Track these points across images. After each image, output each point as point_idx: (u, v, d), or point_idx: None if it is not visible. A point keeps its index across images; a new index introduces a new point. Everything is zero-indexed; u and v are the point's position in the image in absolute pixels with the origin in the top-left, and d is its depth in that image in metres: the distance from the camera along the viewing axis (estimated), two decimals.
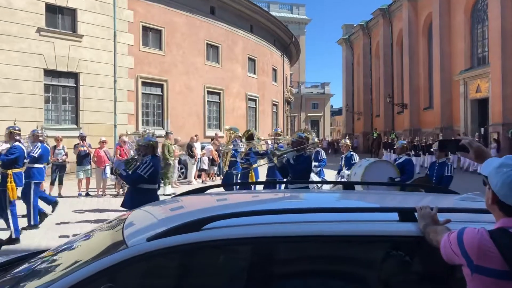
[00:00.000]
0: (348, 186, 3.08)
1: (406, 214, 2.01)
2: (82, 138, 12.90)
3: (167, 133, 14.69)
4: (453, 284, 1.84)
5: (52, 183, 12.12)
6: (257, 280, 1.87)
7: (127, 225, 2.32)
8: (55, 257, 2.42)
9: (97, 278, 1.87)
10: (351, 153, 9.53)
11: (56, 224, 8.63)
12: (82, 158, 12.50)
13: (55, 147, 12.13)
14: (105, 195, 12.56)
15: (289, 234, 1.95)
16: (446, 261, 1.69)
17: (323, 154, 10.39)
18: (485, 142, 19.62)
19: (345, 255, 2.03)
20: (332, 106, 74.06)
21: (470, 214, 2.14)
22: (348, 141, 10.26)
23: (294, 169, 6.33)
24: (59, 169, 12.18)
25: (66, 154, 12.30)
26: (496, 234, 1.57)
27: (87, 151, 12.65)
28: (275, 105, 32.47)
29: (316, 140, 7.72)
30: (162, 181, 13.54)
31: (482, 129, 24.40)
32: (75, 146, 12.81)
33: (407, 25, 32.43)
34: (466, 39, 26.28)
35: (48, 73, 16.34)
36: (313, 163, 9.58)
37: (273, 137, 9.69)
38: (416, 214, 2.00)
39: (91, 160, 12.69)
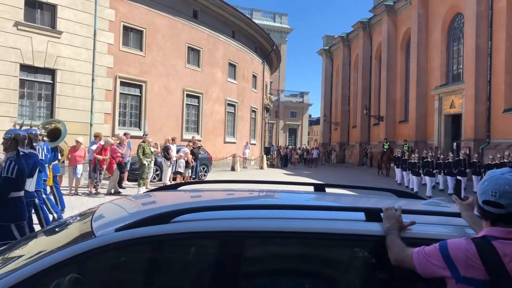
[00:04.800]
0: (319, 187, 3.12)
1: (372, 214, 2.06)
2: None
3: (144, 135, 14.64)
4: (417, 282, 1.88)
5: None
6: (224, 273, 1.88)
7: (96, 217, 2.30)
8: (19, 248, 2.38)
9: (62, 267, 1.84)
10: None
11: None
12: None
13: None
14: (77, 194, 12.35)
15: (257, 229, 1.98)
16: (424, 276, 1.73)
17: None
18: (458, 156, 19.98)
19: (312, 252, 2.06)
20: (310, 116, 74.77)
21: (434, 216, 2.20)
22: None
23: None
24: None
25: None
26: (480, 244, 1.65)
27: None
28: (254, 111, 32.57)
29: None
30: (137, 182, 13.47)
31: (455, 143, 24.98)
32: None
33: (386, 39, 33.08)
34: (442, 56, 26.98)
35: (25, 68, 16.03)
36: None
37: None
38: (382, 214, 2.05)
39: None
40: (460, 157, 16.77)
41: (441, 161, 16.98)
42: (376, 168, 28.17)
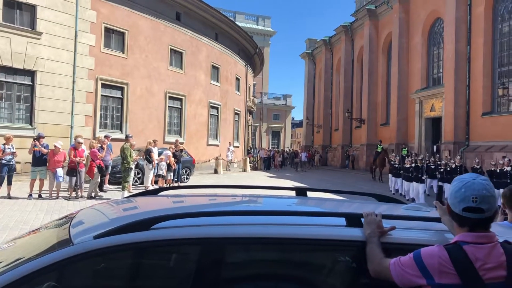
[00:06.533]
0: (301, 192, 3.12)
1: (353, 220, 2.07)
2: (36, 138, 12.43)
3: (127, 137, 14.40)
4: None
5: None
6: (205, 280, 1.87)
7: (74, 223, 2.25)
8: None
9: (39, 276, 1.79)
10: None
11: (3, 225, 8.27)
12: (38, 159, 12.05)
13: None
14: (58, 198, 12.15)
15: (238, 235, 1.97)
16: (401, 286, 1.75)
17: None
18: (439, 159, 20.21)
19: (293, 258, 2.06)
20: (293, 118, 75.06)
21: (414, 221, 2.21)
22: None
23: None
24: (8, 168, 11.67)
25: (12, 153, 11.75)
26: (451, 250, 1.68)
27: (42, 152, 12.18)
28: (237, 114, 32.56)
29: None
30: (121, 185, 13.26)
31: (435, 146, 25.35)
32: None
33: (368, 43, 33.43)
34: (423, 60, 27.38)
35: (3, 69, 15.78)
36: None
37: None
38: (362, 220, 2.05)
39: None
40: (456, 164, 15.67)
41: (442, 167, 15.95)
42: (358, 171, 28.10)
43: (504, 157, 15.69)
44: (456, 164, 15.71)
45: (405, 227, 2.08)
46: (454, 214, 1.76)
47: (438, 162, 16.97)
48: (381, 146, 25.87)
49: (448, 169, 15.80)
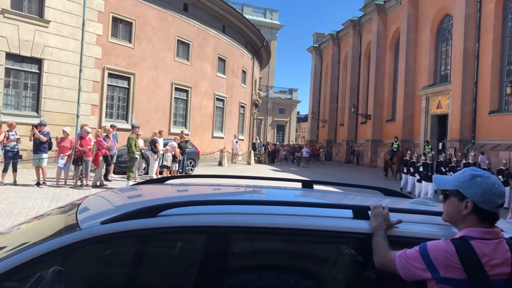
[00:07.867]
0: (307, 184, 3.12)
1: (360, 212, 2.06)
2: (36, 125, 12.38)
3: (133, 126, 14.46)
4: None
5: (4, 170, 11.64)
6: (210, 268, 1.87)
7: (81, 209, 2.26)
8: (1, 239, 2.33)
9: (46, 260, 1.80)
10: None
11: (8, 212, 8.33)
12: (37, 146, 12.05)
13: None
14: (63, 186, 12.19)
15: (244, 224, 1.97)
16: (406, 279, 1.74)
17: None
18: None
19: (299, 248, 2.06)
20: (298, 113, 74.98)
21: (421, 215, 2.21)
22: None
23: None
24: (13, 155, 11.71)
25: (17, 140, 11.79)
26: (458, 244, 1.67)
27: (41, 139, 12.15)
28: (243, 106, 32.53)
29: None
30: (126, 175, 13.34)
31: (440, 143, 25.25)
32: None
33: (376, 38, 33.24)
34: (431, 56, 27.22)
35: (10, 57, 15.80)
36: None
37: None
38: (369, 212, 2.05)
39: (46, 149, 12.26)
40: (470, 161, 15.07)
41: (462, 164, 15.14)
42: (363, 167, 27.92)
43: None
44: (470, 161, 15.47)
45: (411, 221, 2.07)
46: (481, 210, 1.71)
47: (462, 160, 16.28)
48: (397, 143, 24.44)
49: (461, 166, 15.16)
